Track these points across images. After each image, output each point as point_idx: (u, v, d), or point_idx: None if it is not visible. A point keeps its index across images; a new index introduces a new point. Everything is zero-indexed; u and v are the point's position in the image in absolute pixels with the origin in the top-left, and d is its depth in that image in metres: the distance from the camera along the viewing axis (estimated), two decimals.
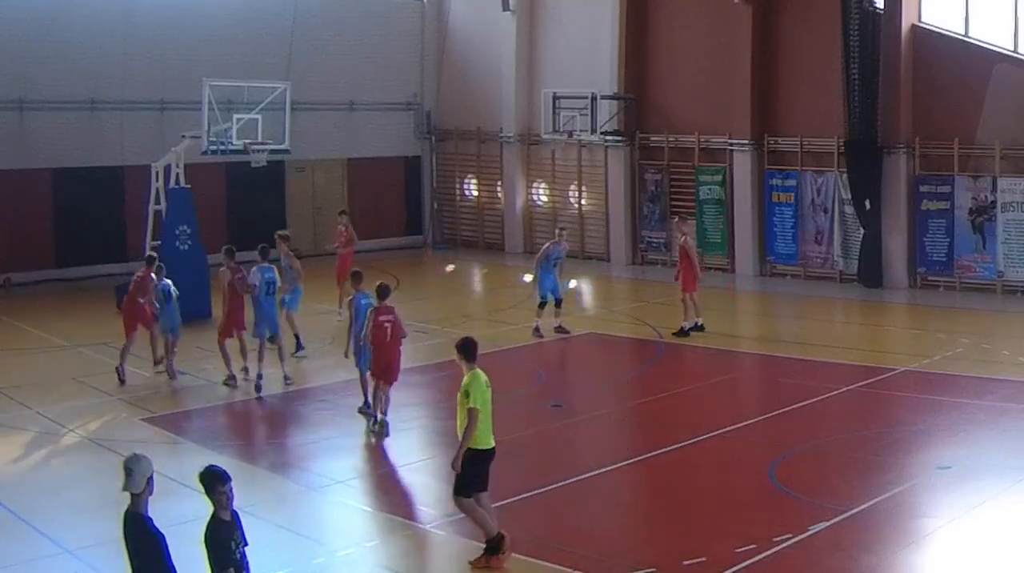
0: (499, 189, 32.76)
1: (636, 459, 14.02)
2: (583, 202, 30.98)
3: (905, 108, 24.97)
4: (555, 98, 29.22)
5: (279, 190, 31.16)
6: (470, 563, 10.42)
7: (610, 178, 30.14)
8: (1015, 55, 23.95)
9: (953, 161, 24.41)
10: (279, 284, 17.89)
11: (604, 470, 13.36)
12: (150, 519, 7.13)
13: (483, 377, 10.39)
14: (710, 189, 28.20)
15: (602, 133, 28.97)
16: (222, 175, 28.39)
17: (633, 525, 12.10)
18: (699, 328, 20.73)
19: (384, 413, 14.89)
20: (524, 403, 16.73)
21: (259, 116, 23.95)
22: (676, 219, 23.87)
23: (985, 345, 19.63)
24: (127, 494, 7.14)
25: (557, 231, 21.99)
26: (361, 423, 15.40)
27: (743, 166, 27.52)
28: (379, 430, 14.85)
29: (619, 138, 29.43)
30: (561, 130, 29.15)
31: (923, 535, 11.07)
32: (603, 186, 30.39)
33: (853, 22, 24.67)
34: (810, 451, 14.05)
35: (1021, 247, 23.81)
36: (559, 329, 20.98)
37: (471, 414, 10.19)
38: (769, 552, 10.45)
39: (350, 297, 15.87)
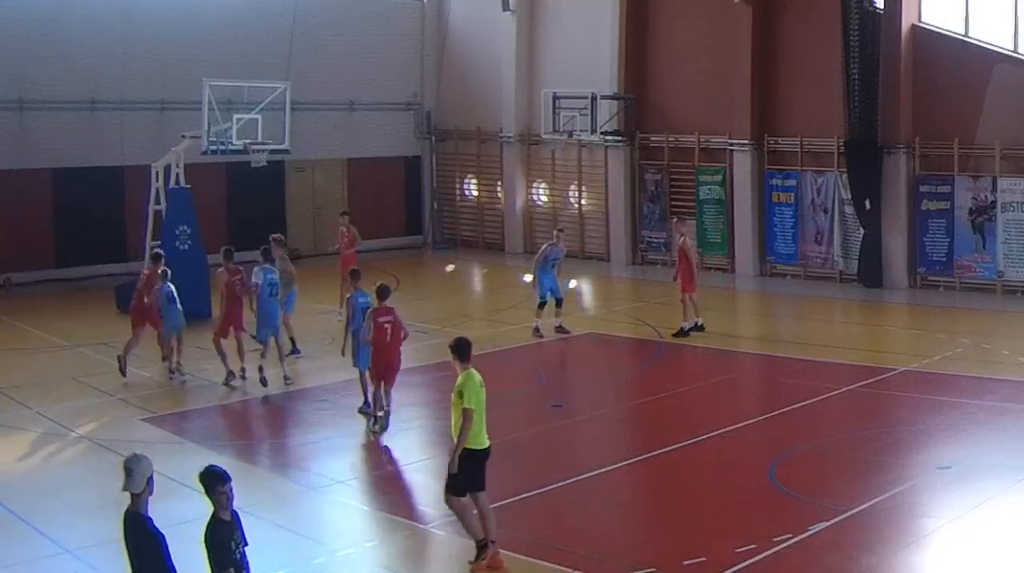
0: (499, 189, 32.76)
1: (636, 459, 14.02)
2: (583, 202, 30.98)
3: (905, 108, 24.97)
4: (555, 98, 29.22)
5: (279, 190, 31.16)
6: (470, 563, 10.42)
7: (610, 178, 30.14)
8: (1015, 55, 23.96)
9: (953, 161, 24.41)
10: (279, 286, 17.97)
11: (604, 470, 13.36)
12: (150, 519, 7.13)
13: (477, 377, 10.39)
14: (710, 189, 28.20)
15: (602, 133, 28.97)
16: (222, 175, 28.38)
17: (633, 525, 12.10)
18: (699, 328, 20.73)
19: (385, 406, 14.95)
20: (524, 403, 16.74)
21: (259, 116, 23.94)
22: (675, 219, 23.87)
23: (985, 345, 19.64)
24: (127, 494, 7.15)
25: (555, 233, 21.99)
26: (361, 423, 15.40)
27: (743, 166, 27.52)
28: (378, 428, 14.88)
29: (619, 138, 29.43)
30: (561, 130, 29.15)
31: (923, 535, 11.07)
32: (603, 186, 30.39)
33: (853, 22, 24.67)
34: (810, 451, 14.05)
35: (1021, 247, 23.81)
36: (559, 328, 20.98)
37: (465, 414, 10.19)
38: (769, 552, 10.45)
39: (348, 295, 15.88)
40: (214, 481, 7.31)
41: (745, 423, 15.26)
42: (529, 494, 12.41)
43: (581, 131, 28.86)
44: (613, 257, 30.18)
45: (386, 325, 14.78)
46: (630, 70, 29.35)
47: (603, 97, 28.89)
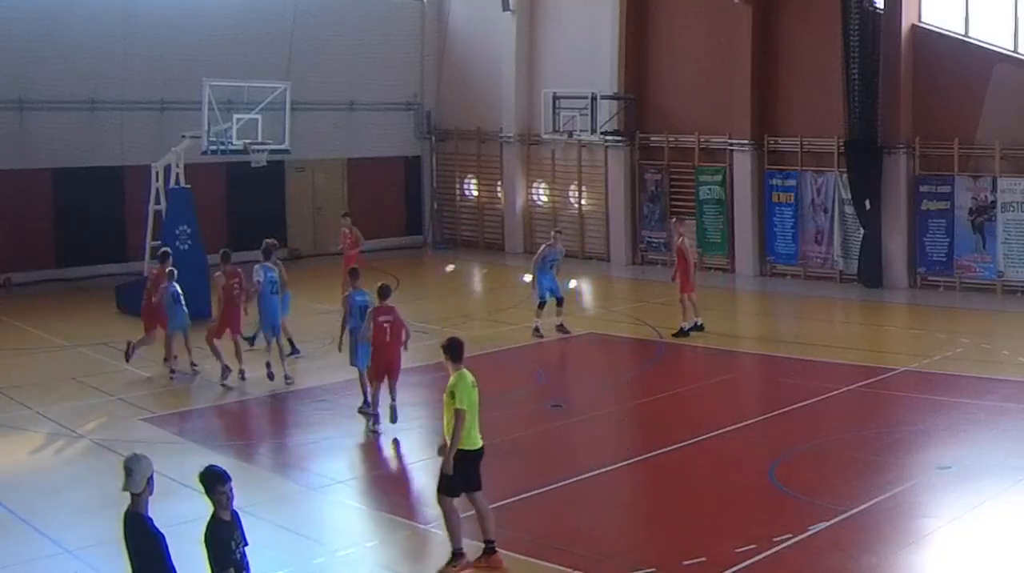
0: (499, 189, 32.76)
1: (636, 459, 14.02)
2: (583, 202, 30.98)
3: (905, 108, 24.97)
4: (555, 98, 29.22)
5: (279, 190, 31.16)
6: (470, 564, 10.42)
7: (610, 178, 30.14)
8: (1015, 55, 23.96)
9: (953, 161, 24.41)
10: (280, 284, 18.04)
11: (604, 470, 13.36)
12: (150, 519, 7.13)
13: (469, 377, 10.39)
14: (710, 189, 28.20)
15: (602, 133, 28.97)
16: (222, 175, 28.38)
17: (633, 525, 12.10)
18: (699, 328, 20.74)
19: (393, 399, 15.03)
20: (524, 403, 16.74)
21: (259, 116, 23.95)
22: (673, 220, 23.82)
23: (985, 345, 19.64)
24: (127, 494, 7.15)
25: (553, 233, 21.95)
26: (361, 423, 15.40)
27: (743, 166, 27.52)
28: (380, 428, 14.90)
29: (619, 138, 29.43)
30: (561, 130, 29.15)
31: (923, 535, 11.07)
32: (603, 186, 30.39)
33: (853, 22, 24.67)
34: (810, 451, 14.05)
35: (1021, 247, 23.81)
36: (560, 327, 20.98)
37: (458, 415, 10.18)
38: (769, 552, 10.45)
39: (346, 294, 15.90)
40: (214, 481, 7.32)
41: (745, 423, 15.26)
42: (529, 494, 12.41)
43: (581, 131, 28.86)
44: (613, 257, 30.17)
45: (385, 324, 14.84)
46: (630, 70, 29.35)
47: (603, 97, 28.89)
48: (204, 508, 7.42)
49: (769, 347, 20.55)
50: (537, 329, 20.78)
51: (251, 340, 18.97)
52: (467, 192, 33.80)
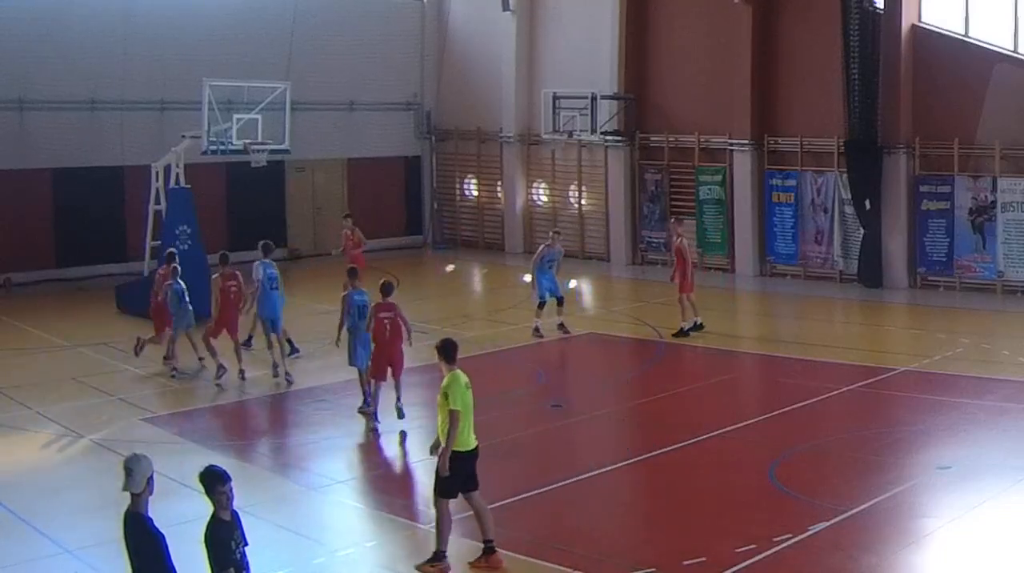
0: (499, 189, 32.76)
1: (636, 459, 14.02)
2: (583, 202, 30.98)
3: (905, 108, 24.97)
4: (555, 98, 29.22)
5: (279, 190, 31.16)
6: (470, 564, 10.42)
7: (610, 178, 30.14)
8: (1015, 55, 23.95)
9: (953, 161, 24.41)
10: (280, 280, 18.23)
11: (604, 470, 13.36)
12: (150, 519, 7.13)
13: (463, 378, 10.40)
14: (710, 189, 28.20)
15: (602, 133, 28.97)
16: (222, 175, 28.38)
17: (633, 525, 12.10)
18: (699, 327, 20.73)
19: (398, 397, 15.16)
20: (524, 403, 16.75)
21: (259, 116, 23.95)
22: (672, 220, 23.81)
23: (985, 345, 19.63)
24: (127, 494, 7.15)
25: (551, 233, 21.93)
26: (361, 423, 15.41)
27: (743, 166, 27.52)
28: (373, 426, 15.03)
29: (619, 138, 29.43)
30: (561, 130, 29.15)
31: (923, 535, 11.07)
32: (603, 186, 30.39)
33: (853, 22, 24.66)
34: (810, 451, 14.05)
35: (1021, 247, 23.81)
36: (561, 327, 20.98)
37: (452, 416, 10.18)
38: (769, 552, 10.45)
39: (345, 293, 15.93)
40: (214, 481, 7.32)
41: (745, 423, 15.26)
42: (529, 494, 12.41)
43: (581, 131, 28.86)
44: (613, 257, 30.18)
45: (385, 321, 15.02)
46: (630, 70, 29.35)
47: (603, 97, 28.89)
48: (204, 508, 7.42)
49: (769, 347, 20.55)
50: (537, 329, 20.78)
51: (248, 342, 19.03)
52: (467, 192, 33.80)
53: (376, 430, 15.02)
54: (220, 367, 17.50)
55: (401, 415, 15.07)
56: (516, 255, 31.18)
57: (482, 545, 10.44)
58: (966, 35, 24.65)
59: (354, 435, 15.29)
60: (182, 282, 17.97)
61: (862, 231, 25.56)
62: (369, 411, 15.42)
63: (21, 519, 11.76)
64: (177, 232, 22.58)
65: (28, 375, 18.15)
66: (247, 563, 7.44)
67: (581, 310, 24.03)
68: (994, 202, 23.97)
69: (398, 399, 15.19)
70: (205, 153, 23.44)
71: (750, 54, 26.99)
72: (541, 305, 20.92)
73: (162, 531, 7.10)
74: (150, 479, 7.17)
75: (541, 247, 21.52)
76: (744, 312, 25.26)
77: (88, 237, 27.05)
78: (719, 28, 27.72)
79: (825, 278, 26.50)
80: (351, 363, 15.80)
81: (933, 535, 11.04)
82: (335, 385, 17.20)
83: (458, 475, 10.27)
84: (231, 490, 7.34)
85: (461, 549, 10.76)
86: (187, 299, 17.90)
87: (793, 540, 10.73)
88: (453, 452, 10.22)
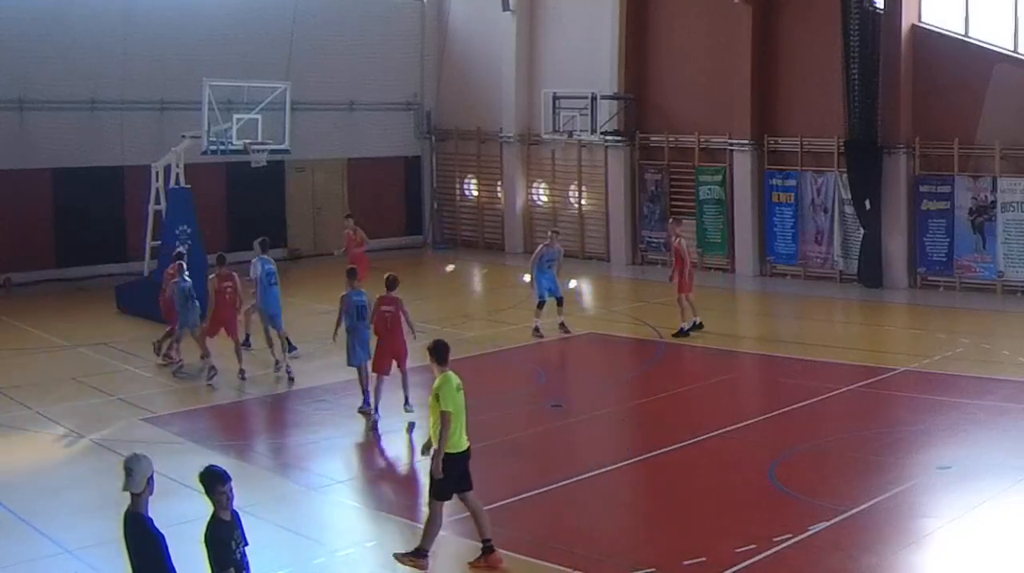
0: (499, 189, 32.76)
1: (636, 459, 14.02)
2: (583, 202, 30.98)
3: (905, 108, 24.96)
4: (555, 98, 29.22)
5: (279, 190, 31.15)
6: (470, 564, 10.43)
7: (610, 178, 30.14)
8: (1015, 55, 23.95)
9: (953, 161, 24.40)
10: (278, 276, 18.42)
11: (604, 470, 13.36)
12: (150, 519, 7.13)
13: (454, 380, 10.40)
14: (710, 189, 28.20)
15: (602, 133, 28.96)
16: (222, 175, 28.38)
17: (633, 525, 12.10)
18: (698, 327, 20.73)
19: (405, 393, 15.33)
20: (524, 403, 16.75)
21: (259, 116, 23.95)
22: (671, 221, 23.78)
23: (985, 345, 19.63)
24: (127, 494, 7.15)
25: (549, 233, 21.93)
26: (361, 423, 15.42)
27: (743, 166, 27.52)
28: (373, 418, 15.10)
29: (619, 138, 29.43)
30: (561, 130, 29.15)
31: (923, 535, 11.07)
32: (603, 186, 30.39)
33: (853, 22, 24.66)
34: (810, 451, 14.05)
35: (1021, 247, 23.81)
36: (561, 326, 20.98)
37: (443, 417, 10.18)
38: (769, 552, 10.45)
39: (344, 294, 15.96)
40: (214, 481, 7.32)
41: (745, 423, 15.26)
42: (529, 494, 12.41)
43: (581, 131, 28.85)
44: (613, 257, 30.18)
45: (386, 314, 15.19)
46: (630, 70, 29.35)
47: (603, 97, 28.89)
48: (204, 508, 7.42)
49: (769, 347, 20.55)
50: (537, 329, 20.78)
51: (247, 342, 19.09)
52: (467, 192, 33.80)
53: (376, 424, 15.04)
54: (211, 369, 17.63)
55: (409, 409, 15.23)
56: (516, 255, 31.18)
57: (480, 545, 10.44)
58: (966, 35, 24.64)
59: (354, 435, 15.30)
60: (189, 280, 18.10)
61: (862, 231, 25.55)
62: (369, 411, 15.44)
63: (21, 519, 11.76)
64: (177, 232, 22.60)
65: (28, 375, 18.16)
66: (247, 563, 7.45)
67: (581, 310, 24.02)
68: (994, 202, 23.97)
69: (406, 402, 15.27)
70: (205, 153, 23.45)
71: (750, 54, 26.98)
72: (540, 305, 20.92)
73: (162, 531, 7.10)
74: (150, 479, 7.17)
75: (540, 246, 21.53)
76: (744, 312, 25.26)
77: (88, 237, 27.05)
78: (719, 28, 27.72)
79: (825, 278, 26.50)
80: (350, 363, 15.85)
81: (933, 535, 11.03)
82: (335, 385, 17.20)
83: (451, 476, 10.28)
84: (231, 490, 7.34)
85: (460, 549, 10.78)
86: (194, 297, 18.05)
87: (793, 540, 10.73)
88: (445, 454, 10.22)
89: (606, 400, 17.19)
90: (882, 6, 24.83)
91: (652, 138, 29.32)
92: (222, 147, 23.33)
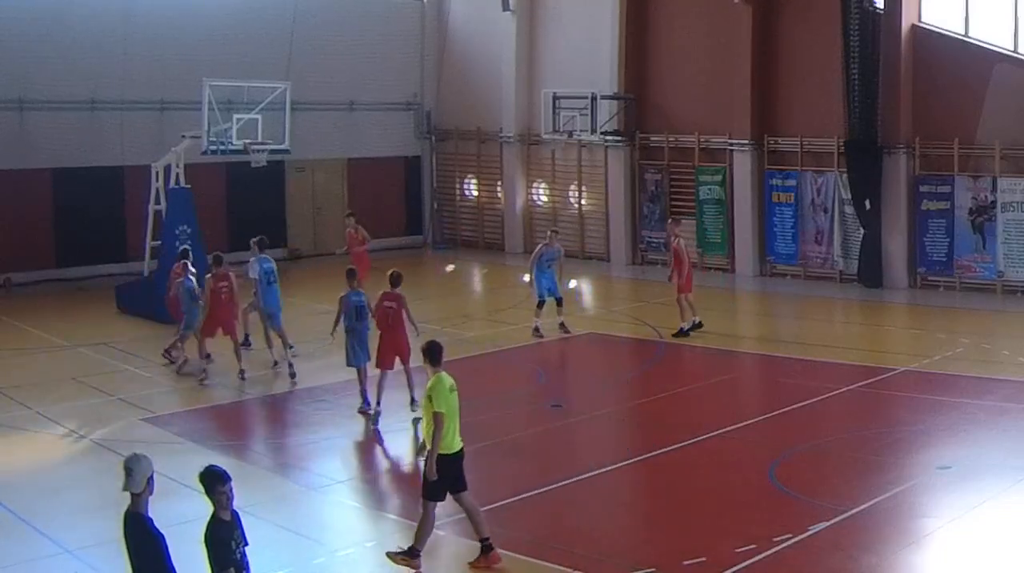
0: (499, 189, 32.76)
1: (636, 459, 14.02)
2: (583, 202, 30.98)
3: (905, 108, 24.96)
4: (555, 98, 29.21)
5: (279, 190, 31.15)
6: (470, 564, 10.43)
7: (610, 178, 30.14)
8: (1015, 55, 23.95)
9: (953, 161, 24.40)
10: (277, 274, 18.43)
11: (604, 470, 13.36)
12: (150, 519, 7.13)
13: (447, 381, 10.40)
14: (710, 189, 28.20)
15: (602, 133, 28.96)
16: (222, 175, 28.38)
17: (633, 525, 12.10)
18: (697, 326, 20.72)
19: (411, 389, 15.40)
20: (524, 403, 16.75)
21: (259, 116, 23.95)
22: (669, 221, 23.77)
23: (985, 345, 19.63)
24: (127, 494, 7.15)
25: (549, 233, 21.92)
26: (361, 423, 15.43)
27: (743, 166, 27.52)
28: (373, 413, 15.10)
29: (619, 138, 29.43)
30: (561, 130, 29.15)
31: (923, 535, 11.07)
32: (603, 186, 30.39)
33: (853, 22, 24.66)
34: (810, 451, 14.05)
35: (1021, 247, 23.81)
36: (561, 326, 20.98)
37: (436, 418, 10.18)
38: (769, 552, 10.45)
39: (342, 294, 15.98)
40: (214, 481, 7.32)
41: (745, 423, 15.26)
42: (529, 494, 12.41)
43: (581, 131, 28.85)
44: (613, 257, 30.18)
45: (389, 309, 15.32)
46: (630, 70, 29.35)
47: (603, 97, 28.89)
48: (204, 508, 7.42)
49: (769, 347, 20.55)
50: (537, 329, 20.78)
51: (246, 342, 19.11)
52: (467, 192, 33.80)
53: (378, 417, 15.06)
54: (203, 370, 17.62)
55: (416, 409, 15.24)
56: (516, 255, 31.17)
57: (479, 545, 10.44)
58: (966, 35, 24.64)
59: (354, 435, 15.31)
60: (193, 278, 18.10)
61: (862, 231, 25.55)
62: (369, 411, 15.46)
63: (21, 519, 11.76)
64: (177, 232, 22.59)
65: (28, 375, 18.16)
66: (247, 563, 7.45)
67: (581, 310, 24.02)
68: (994, 202, 23.97)
69: (412, 401, 15.33)
70: (205, 153, 23.44)
71: (750, 54, 26.98)
72: (540, 304, 20.92)
73: (162, 531, 7.10)
74: (150, 479, 7.17)
75: (539, 246, 21.53)
76: (744, 312, 25.26)
77: (88, 237, 27.04)
78: (719, 28, 27.72)
79: (825, 278, 26.50)
80: (349, 363, 15.85)
81: (933, 535, 11.04)
82: (335, 385, 17.20)
83: (445, 477, 10.29)
84: (231, 490, 7.34)
85: (460, 549, 10.79)
86: (198, 297, 18.08)
87: (793, 540, 10.73)
88: (438, 455, 10.23)
89: (606, 400, 17.19)
90: (882, 6, 24.83)
91: (652, 138, 29.32)
92: (222, 147, 23.32)
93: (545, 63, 31.19)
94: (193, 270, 18.55)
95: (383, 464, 14.68)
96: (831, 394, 16.48)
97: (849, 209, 25.84)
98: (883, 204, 25.26)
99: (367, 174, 32.57)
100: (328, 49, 30.39)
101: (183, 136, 23.40)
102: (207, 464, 7.54)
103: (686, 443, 14.21)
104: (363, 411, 15.63)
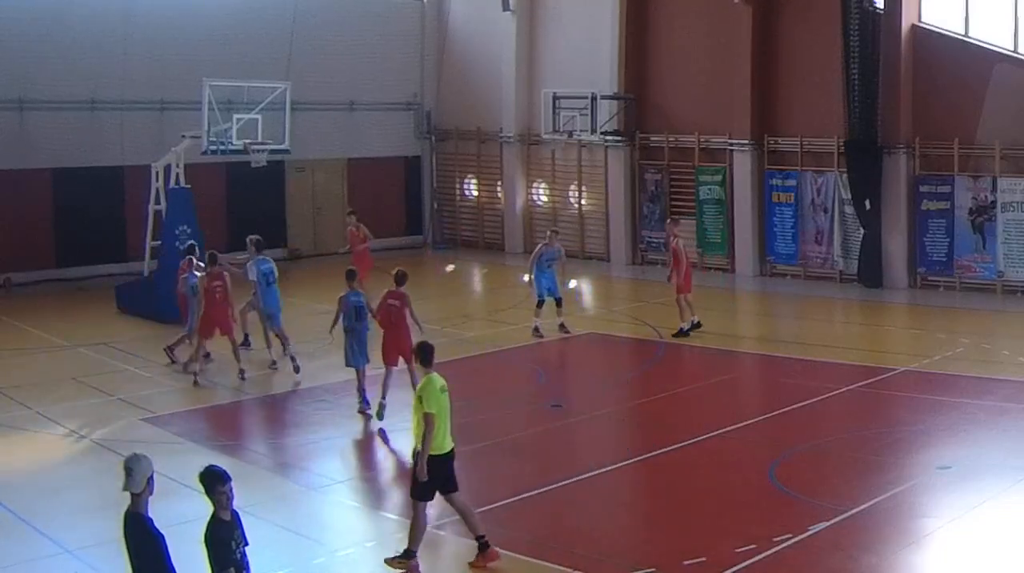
0: (499, 189, 32.76)
1: (636, 459, 14.02)
2: (583, 202, 30.98)
3: (905, 108, 24.96)
4: (555, 98, 29.21)
5: (279, 190, 31.15)
6: (469, 564, 10.43)
7: (610, 178, 30.13)
8: (1015, 55, 23.95)
9: (953, 161, 24.40)
10: (276, 274, 18.35)
11: (604, 470, 13.36)
12: (150, 519, 7.13)
13: (438, 381, 10.40)
14: (710, 189, 28.20)
15: (602, 133, 28.96)
16: (222, 175, 28.38)
17: (633, 525, 12.10)
18: (696, 326, 20.72)
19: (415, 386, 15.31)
20: (524, 403, 16.75)
21: (259, 116, 23.95)
22: (668, 221, 23.75)
23: (985, 345, 19.63)
24: (127, 494, 7.15)
25: (548, 233, 21.92)
26: (361, 423, 15.42)
27: (743, 166, 27.51)
28: (379, 416, 15.12)
29: (619, 138, 29.43)
30: (561, 130, 29.15)
31: (923, 535, 11.07)
32: (603, 186, 30.39)
33: (853, 22, 24.66)
34: (810, 451, 14.05)
35: (1021, 247, 23.81)
36: (561, 327, 20.99)
37: (426, 419, 10.18)
38: (769, 552, 10.45)
39: (342, 295, 15.98)
40: (214, 481, 7.32)
41: (745, 423, 15.26)
42: (529, 494, 12.41)
43: (581, 131, 28.85)
44: (613, 257, 30.18)
45: (392, 307, 15.38)
46: (630, 70, 29.35)
47: (603, 97, 28.88)
48: (204, 508, 7.42)
49: (769, 347, 20.55)
50: (537, 329, 20.78)
51: (246, 342, 19.12)
52: (467, 192, 33.80)
53: (383, 408, 15.05)
54: (198, 370, 17.61)
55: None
56: (516, 255, 31.17)
57: (476, 544, 10.45)
58: (966, 35, 24.64)
59: (354, 435, 15.31)
60: (198, 274, 18.12)
61: (862, 231, 25.55)
62: (369, 412, 15.46)
63: (21, 519, 11.77)
64: (177, 232, 22.58)
65: (28, 375, 18.16)
66: (247, 563, 7.45)
67: (581, 310, 24.02)
68: (994, 202, 23.96)
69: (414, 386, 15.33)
70: (205, 153, 23.44)
71: (750, 54, 26.98)
72: (540, 304, 20.92)
73: (162, 531, 7.10)
74: (150, 479, 7.17)
75: (539, 246, 21.53)
76: (744, 312, 25.26)
77: (88, 237, 27.04)
78: (719, 28, 27.72)
79: (825, 278, 26.50)
80: (348, 364, 15.85)
81: (933, 535, 11.04)
82: (335, 385, 17.20)
83: (435, 478, 10.29)
84: (231, 490, 7.34)
85: (460, 549, 10.79)
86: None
87: (793, 540, 10.73)
88: (428, 456, 10.23)
89: (606, 400, 17.19)
90: (882, 6, 24.83)
91: (652, 138, 29.32)
92: (222, 147, 23.32)
93: (545, 63, 31.18)
94: (201, 265, 18.54)
95: (383, 464, 14.68)
96: (831, 394, 16.48)
97: (849, 209, 25.84)
98: (883, 204, 25.26)
99: (367, 174, 32.57)
100: (328, 49, 30.39)
101: (183, 136, 23.41)
102: (207, 464, 7.54)
103: (686, 443, 14.21)
104: (363, 411, 15.62)
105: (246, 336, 19.26)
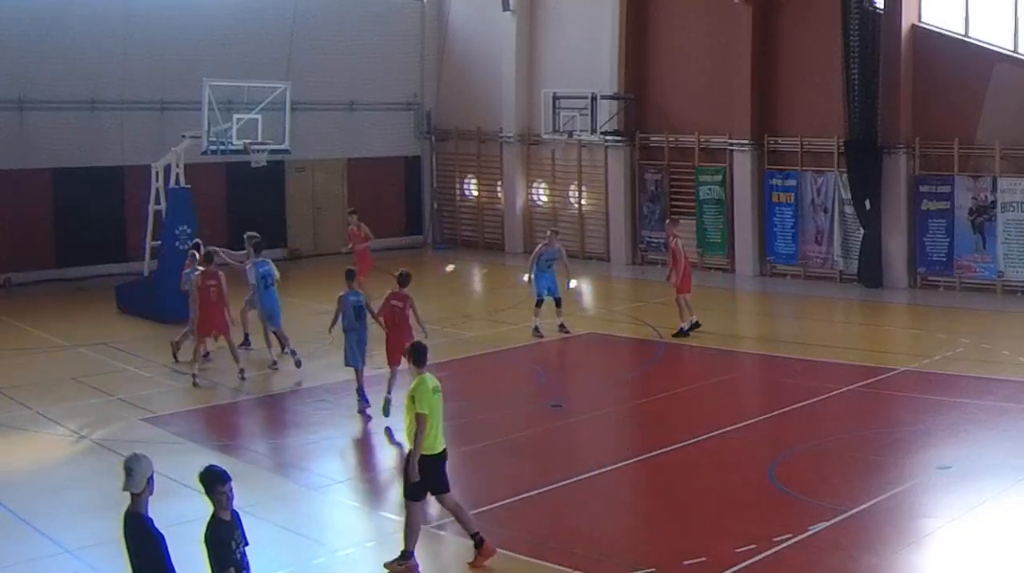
0: (499, 189, 32.76)
1: (636, 459, 14.02)
2: (583, 202, 30.98)
3: (905, 108, 24.96)
4: (555, 98, 29.22)
5: (279, 190, 31.15)
6: (469, 564, 10.43)
7: (610, 178, 30.14)
8: (1015, 55, 23.95)
9: (953, 161, 24.40)
10: (276, 276, 18.39)
11: (604, 470, 13.36)
12: (150, 519, 7.13)
13: (431, 382, 10.40)
14: (710, 189, 28.20)
15: (602, 133, 28.97)
16: (222, 175, 28.38)
17: (633, 525, 12.10)
18: (695, 326, 20.71)
19: None
20: (524, 403, 16.75)
21: (259, 116, 23.96)
22: (668, 221, 23.74)
23: (985, 345, 19.63)
24: (127, 494, 7.15)
25: (549, 232, 21.92)
26: (361, 423, 15.42)
27: (743, 166, 27.51)
28: (384, 405, 15.20)
29: (619, 138, 29.43)
30: (561, 130, 29.15)
31: (923, 535, 11.07)
32: (603, 186, 30.39)
33: (853, 22, 24.66)
34: (810, 451, 14.05)
35: (1021, 247, 23.81)
36: (561, 327, 20.99)
37: (419, 419, 10.18)
38: (769, 552, 10.45)
39: (341, 294, 15.99)
40: (214, 481, 7.32)
41: (745, 423, 15.26)
42: (529, 494, 12.41)
43: (581, 131, 28.86)
44: (613, 257, 30.18)
45: (396, 308, 15.42)
46: (630, 70, 29.35)
47: (603, 97, 28.89)
48: (204, 508, 7.42)
49: (769, 347, 20.54)
50: (537, 329, 20.77)
51: (246, 342, 19.12)
52: (467, 192, 33.80)
53: (388, 403, 15.07)
54: (194, 374, 17.57)
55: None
56: (516, 255, 31.17)
57: (472, 543, 10.45)
58: (966, 35, 24.64)
59: (354, 435, 15.32)
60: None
61: (862, 231, 25.55)
62: (368, 412, 15.46)
63: (21, 519, 11.77)
64: (177, 232, 22.59)
65: (28, 375, 18.16)
66: (247, 563, 7.45)
67: (581, 310, 24.02)
68: (994, 202, 23.97)
69: None
70: (205, 153, 23.45)
71: (750, 54, 26.98)
72: (539, 303, 20.91)
73: (162, 531, 7.10)
74: (150, 479, 7.17)
75: (539, 246, 21.53)
76: (744, 312, 25.26)
77: (88, 237, 27.04)
78: (719, 28, 27.72)
79: (825, 278, 26.50)
80: (347, 363, 15.86)
81: (933, 535, 11.04)
82: (335, 385, 17.20)
83: (427, 478, 10.29)
84: (231, 490, 7.35)
85: (460, 549, 10.79)
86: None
87: (793, 540, 10.73)
88: (420, 456, 10.23)
89: (606, 400, 17.19)
90: (882, 6, 24.83)
91: (652, 138, 29.32)
92: (222, 147, 23.33)
93: (545, 63, 31.19)
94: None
95: (383, 464, 14.66)
96: (831, 394, 16.48)
97: (849, 209, 25.84)
98: (883, 204, 25.26)
99: (367, 174, 32.57)
100: (328, 49, 30.39)
101: (183, 136, 23.41)
102: (207, 464, 7.55)
103: (686, 443, 14.21)
104: (362, 411, 15.62)
105: (246, 336, 19.27)
